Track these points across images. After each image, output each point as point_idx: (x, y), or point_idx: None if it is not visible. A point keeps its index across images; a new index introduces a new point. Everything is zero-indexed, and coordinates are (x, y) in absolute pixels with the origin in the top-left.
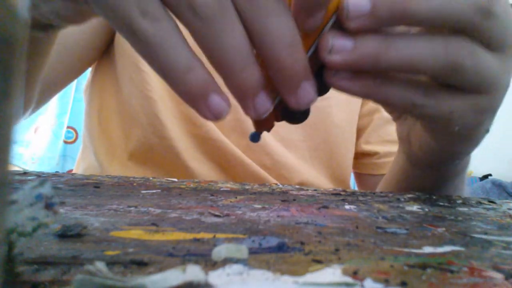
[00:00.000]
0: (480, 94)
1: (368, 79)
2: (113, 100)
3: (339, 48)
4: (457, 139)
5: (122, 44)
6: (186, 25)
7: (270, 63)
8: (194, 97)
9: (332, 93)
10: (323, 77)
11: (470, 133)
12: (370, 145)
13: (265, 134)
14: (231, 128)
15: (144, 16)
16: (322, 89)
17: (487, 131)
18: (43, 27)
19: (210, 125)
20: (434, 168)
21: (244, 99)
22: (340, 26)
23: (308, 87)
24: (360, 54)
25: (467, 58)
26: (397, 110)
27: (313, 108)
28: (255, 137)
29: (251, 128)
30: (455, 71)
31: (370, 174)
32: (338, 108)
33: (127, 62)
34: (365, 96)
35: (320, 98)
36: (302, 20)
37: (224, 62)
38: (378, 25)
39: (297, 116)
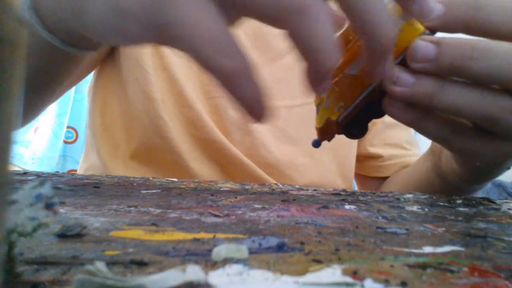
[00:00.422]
0: (507, 141)
1: (416, 112)
2: (117, 101)
3: (402, 82)
4: (477, 171)
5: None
6: (278, 21)
7: (370, 37)
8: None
9: None
10: (381, 104)
11: (490, 169)
12: (374, 148)
13: (266, 132)
14: (233, 127)
15: (224, 55)
16: (379, 114)
17: (508, 168)
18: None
19: (211, 127)
20: (454, 184)
21: (323, 78)
22: (405, 63)
23: (388, 62)
24: (417, 91)
25: (507, 114)
26: (430, 139)
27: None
28: (317, 144)
29: (253, 126)
30: (492, 122)
31: (374, 177)
32: None
33: (133, 63)
34: (408, 125)
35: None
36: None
37: (318, 49)
38: (438, 72)
39: (355, 132)
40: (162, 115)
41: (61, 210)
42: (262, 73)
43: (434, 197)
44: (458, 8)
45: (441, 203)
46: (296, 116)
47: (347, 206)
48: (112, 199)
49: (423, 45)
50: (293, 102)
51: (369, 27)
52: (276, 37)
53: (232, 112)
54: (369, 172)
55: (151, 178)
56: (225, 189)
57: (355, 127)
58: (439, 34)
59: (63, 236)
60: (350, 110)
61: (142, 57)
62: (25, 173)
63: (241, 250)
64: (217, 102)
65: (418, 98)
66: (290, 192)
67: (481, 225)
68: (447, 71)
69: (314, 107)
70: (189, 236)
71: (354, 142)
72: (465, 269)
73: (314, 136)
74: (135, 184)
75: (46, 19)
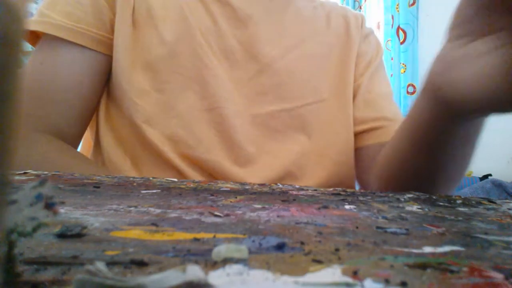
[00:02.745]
0: None
1: None
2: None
3: None
4: None
5: (117, 82)
6: None
7: None
8: None
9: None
10: None
11: None
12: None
13: (270, 140)
14: (239, 136)
15: None
16: None
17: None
18: None
19: (202, 147)
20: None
21: None
22: None
23: None
24: None
25: None
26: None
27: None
28: None
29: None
30: None
31: (377, 143)
32: (332, 115)
33: (125, 85)
34: None
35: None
36: None
37: None
38: None
39: None
40: (152, 138)
41: (61, 210)
42: (257, 80)
43: (434, 197)
44: None
45: (441, 203)
46: (298, 118)
47: (347, 206)
48: (112, 199)
49: None
50: (292, 104)
51: None
52: (268, 43)
53: (237, 120)
54: (372, 139)
55: (151, 178)
56: (225, 189)
57: None
58: None
59: (63, 236)
60: None
61: (134, 79)
62: (25, 173)
63: (241, 250)
64: (221, 112)
65: None
66: (290, 192)
67: (481, 225)
68: None
69: (315, 108)
70: (189, 236)
71: (350, 137)
72: (465, 269)
73: (320, 137)
74: (135, 184)
75: None
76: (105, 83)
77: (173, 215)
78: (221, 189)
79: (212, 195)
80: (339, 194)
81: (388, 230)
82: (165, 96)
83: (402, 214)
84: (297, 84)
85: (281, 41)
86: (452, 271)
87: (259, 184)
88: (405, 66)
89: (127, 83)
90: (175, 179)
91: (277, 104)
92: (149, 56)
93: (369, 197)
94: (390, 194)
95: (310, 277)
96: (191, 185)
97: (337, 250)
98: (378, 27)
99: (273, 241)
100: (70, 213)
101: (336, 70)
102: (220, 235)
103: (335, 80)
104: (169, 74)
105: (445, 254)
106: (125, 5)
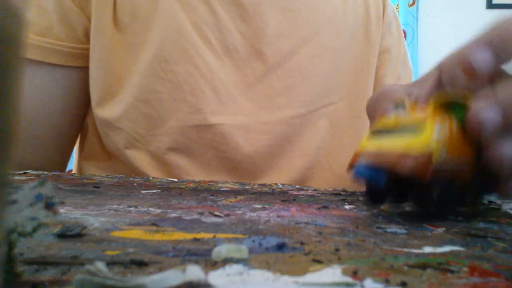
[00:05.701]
0: None
1: None
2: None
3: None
4: None
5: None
6: None
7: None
8: None
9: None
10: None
11: None
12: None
13: (289, 148)
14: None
15: None
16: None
17: None
18: None
19: (200, 172)
20: None
21: None
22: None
23: None
24: None
25: None
26: None
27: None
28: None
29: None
30: None
31: None
32: (340, 120)
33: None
34: None
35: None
36: None
37: None
38: None
39: (434, 196)
40: (137, 164)
41: (61, 210)
42: (266, 81)
43: None
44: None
45: None
46: (307, 125)
47: (347, 206)
48: (112, 199)
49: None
50: (305, 109)
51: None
52: (277, 36)
53: (241, 137)
54: None
55: (151, 178)
56: (225, 189)
57: (441, 189)
58: None
59: (63, 236)
60: (460, 163)
61: (112, 103)
62: (25, 173)
63: (241, 250)
64: (221, 130)
65: None
66: (290, 192)
67: (481, 225)
68: None
69: (323, 113)
70: (189, 236)
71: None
72: (465, 269)
73: (327, 147)
74: (135, 184)
75: None
76: (88, 100)
77: (173, 215)
78: (221, 189)
79: (212, 195)
80: (339, 194)
81: (388, 230)
82: (153, 109)
83: (402, 214)
84: (310, 85)
85: (293, 32)
86: (452, 271)
87: (259, 184)
88: None
89: (101, 109)
90: (175, 179)
91: (291, 109)
92: (136, 61)
93: None
94: None
95: (310, 277)
96: (191, 185)
97: (337, 250)
98: None
99: (273, 241)
100: (70, 213)
101: (351, 68)
102: (220, 235)
103: (349, 80)
104: (156, 81)
105: (445, 254)
106: (102, 5)
